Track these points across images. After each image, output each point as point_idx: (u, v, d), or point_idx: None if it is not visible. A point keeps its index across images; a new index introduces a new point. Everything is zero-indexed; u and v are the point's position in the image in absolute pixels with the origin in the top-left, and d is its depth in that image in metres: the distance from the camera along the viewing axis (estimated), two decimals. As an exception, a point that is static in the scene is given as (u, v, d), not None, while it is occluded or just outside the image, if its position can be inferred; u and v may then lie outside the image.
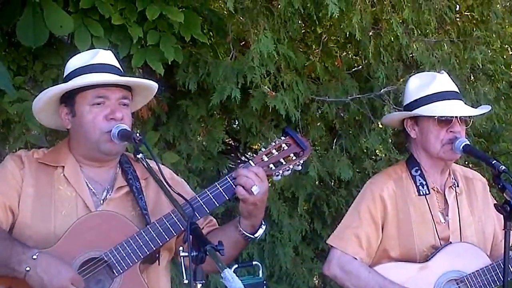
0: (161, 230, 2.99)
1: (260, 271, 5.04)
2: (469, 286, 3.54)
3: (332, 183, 6.50)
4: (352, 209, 3.74)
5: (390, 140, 6.26)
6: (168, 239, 3.02)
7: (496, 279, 3.54)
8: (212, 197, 3.04)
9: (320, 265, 6.35)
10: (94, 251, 2.97)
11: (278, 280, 6.11)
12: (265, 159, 3.06)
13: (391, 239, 3.63)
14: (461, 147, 3.50)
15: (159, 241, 2.99)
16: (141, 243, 2.97)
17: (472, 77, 6.83)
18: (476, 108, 3.82)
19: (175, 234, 3.02)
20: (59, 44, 4.96)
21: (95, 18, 4.58)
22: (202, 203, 3.03)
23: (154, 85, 3.30)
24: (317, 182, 6.40)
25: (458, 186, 3.74)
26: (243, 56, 5.24)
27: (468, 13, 6.72)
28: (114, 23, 4.61)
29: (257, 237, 3.14)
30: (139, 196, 3.16)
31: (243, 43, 5.66)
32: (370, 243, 3.62)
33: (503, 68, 6.92)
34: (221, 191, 3.04)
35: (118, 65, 3.24)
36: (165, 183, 2.83)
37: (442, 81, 3.67)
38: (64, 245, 2.95)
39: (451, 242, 3.61)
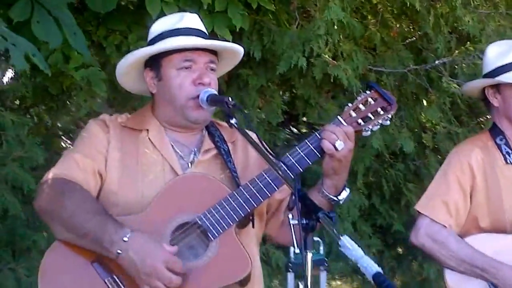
0: (255, 191, 2.88)
1: (321, 247, 4.95)
2: None
3: (388, 157, 6.40)
4: (439, 176, 3.65)
5: (449, 112, 6.17)
6: (262, 200, 2.90)
7: None
8: (303, 155, 2.92)
9: (378, 242, 6.34)
10: (187, 215, 2.86)
11: (336, 258, 6.02)
12: (353, 114, 2.94)
13: (480, 208, 3.54)
14: None
15: (253, 203, 2.88)
16: (235, 205, 2.86)
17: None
18: None
19: (269, 195, 2.90)
20: (124, 10, 4.86)
21: (165, -16, 4.48)
22: (294, 162, 2.92)
23: (241, 50, 3.20)
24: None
25: None
26: (309, 24, 5.13)
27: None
28: (183, -11, 4.51)
29: (341, 200, 3.01)
30: (228, 159, 3.06)
31: (305, 12, 5.56)
32: (459, 211, 3.53)
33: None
34: (312, 148, 2.92)
35: (204, 29, 3.14)
36: (261, 146, 2.73)
37: None
38: (155, 211, 2.86)
39: None
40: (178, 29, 3.04)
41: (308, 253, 2.33)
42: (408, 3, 5.60)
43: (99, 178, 2.96)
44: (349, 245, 2.21)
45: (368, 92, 2.96)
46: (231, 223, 2.86)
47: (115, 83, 3.37)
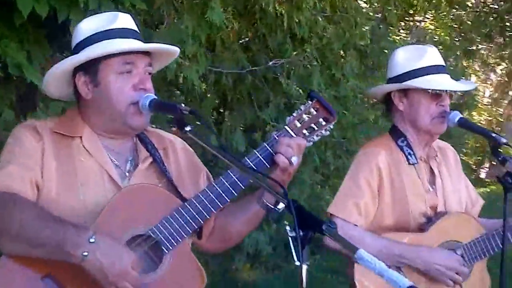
0: (207, 202, 2.81)
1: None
2: (465, 256, 3.65)
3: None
4: (349, 178, 3.73)
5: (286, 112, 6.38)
6: (215, 211, 2.84)
7: (490, 248, 3.67)
8: (253, 166, 2.86)
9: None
10: (139, 228, 2.74)
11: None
12: (298, 125, 2.92)
13: (386, 207, 3.67)
14: (456, 120, 3.59)
15: (206, 214, 2.82)
16: (189, 217, 2.78)
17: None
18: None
19: (221, 206, 2.84)
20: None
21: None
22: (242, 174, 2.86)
23: (178, 51, 3.10)
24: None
25: (437, 156, 3.84)
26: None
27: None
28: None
29: (280, 209, 2.97)
30: (163, 167, 2.97)
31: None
32: (368, 212, 3.64)
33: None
34: (261, 159, 2.88)
35: (137, 30, 2.98)
36: (219, 154, 2.66)
37: (434, 55, 3.72)
38: (105, 223, 2.70)
39: (446, 212, 3.72)
40: (114, 29, 2.86)
41: (303, 266, 2.32)
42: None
43: (36, 189, 2.75)
44: (368, 258, 2.23)
45: (310, 102, 2.93)
46: (185, 236, 2.79)
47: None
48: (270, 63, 6.20)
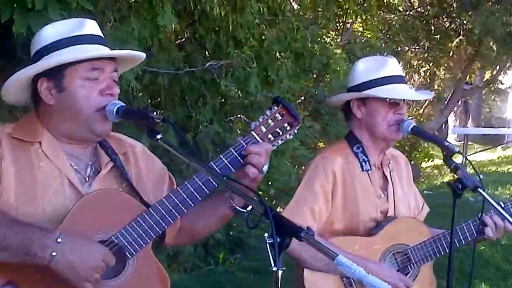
0: (171, 207, 2.82)
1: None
2: (412, 258, 3.77)
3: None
4: (305, 183, 3.78)
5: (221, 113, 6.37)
6: (179, 216, 2.85)
7: (436, 251, 3.80)
8: (218, 170, 2.87)
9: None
10: (103, 233, 2.74)
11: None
12: (264, 129, 2.96)
13: (337, 212, 3.75)
14: (409, 128, 3.68)
15: (170, 219, 2.82)
16: (152, 222, 2.79)
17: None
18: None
19: (185, 210, 2.84)
20: None
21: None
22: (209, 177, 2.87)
23: (144, 56, 3.10)
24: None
25: (390, 164, 3.95)
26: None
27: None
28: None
29: (248, 211, 3.01)
30: (124, 172, 2.97)
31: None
32: (321, 217, 3.72)
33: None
34: (227, 163, 2.89)
35: (103, 36, 2.97)
36: (192, 161, 2.66)
37: (393, 66, 3.84)
38: (68, 229, 2.67)
39: (395, 217, 3.83)
40: (81, 35, 2.84)
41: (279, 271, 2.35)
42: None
43: None
44: (347, 263, 2.27)
45: (276, 107, 2.98)
46: (149, 240, 2.80)
47: None
48: (208, 64, 6.13)
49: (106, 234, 2.73)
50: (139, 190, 2.93)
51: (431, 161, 17.16)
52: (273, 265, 2.37)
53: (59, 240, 2.54)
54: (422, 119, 16.97)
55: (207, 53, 6.15)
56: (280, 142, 3.00)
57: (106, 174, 2.93)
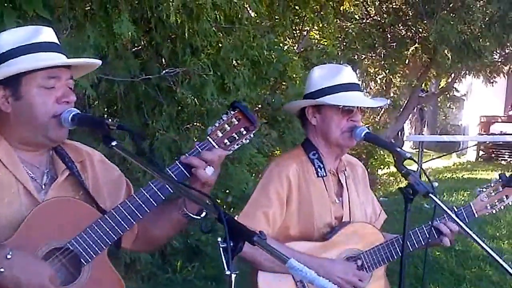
0: (126, 214, 2.82)
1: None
2: (364, 263, 3.82)
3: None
4: (260, 189, 3.82)
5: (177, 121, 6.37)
6: (134, 222, 2.86)
7: (389, 255, 3.86)
8: (174, 176, 2.89)
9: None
10: (58, 241, 2.74)
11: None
12: (220, 134, 2.96)
13: (293, 217, 3.79)
14: (362, 134, 3.73)
15: (126, 225, 2.83)
16: (108, 229, 2.80)
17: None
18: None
19: (141, 216, 2.84)
20: None
21: None
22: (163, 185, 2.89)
23: (99, 63, 3.13)
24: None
25: (346, 170, 4.00)
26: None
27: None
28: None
29: (203, 217, 3.04)
30: (81, 180, 2.98)
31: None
32: (276, 221, 3.75)
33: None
34: (183, 169, 2.90)
35: (59, 43, 2.97)
36: (147, 168, 2.67)
37: (347, 74, 3.88)
38: (22, 237, 2.68)
39: (350, 222, 3.87)
40: (38, 43, 2.84)
41: (233, 275, 2.39)
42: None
43: None
44: (299, 267, 2.31)
45: (232, 111, 2.98)
46: (104, 247, 2.80)
47: None
48: (164, 72, 6.12)
49: (62, 241, 2.73)
50: (96, 198, 2.94)
51: (387, 168, 17.30)
52: (226, 269, 2.41)
53: (8, 256, 2.54)
54: (378, 127, 17.13)
55: (163, 60, 6.14)
56: (236, 146, 3.01)
57: (63, 181, 2.93)
